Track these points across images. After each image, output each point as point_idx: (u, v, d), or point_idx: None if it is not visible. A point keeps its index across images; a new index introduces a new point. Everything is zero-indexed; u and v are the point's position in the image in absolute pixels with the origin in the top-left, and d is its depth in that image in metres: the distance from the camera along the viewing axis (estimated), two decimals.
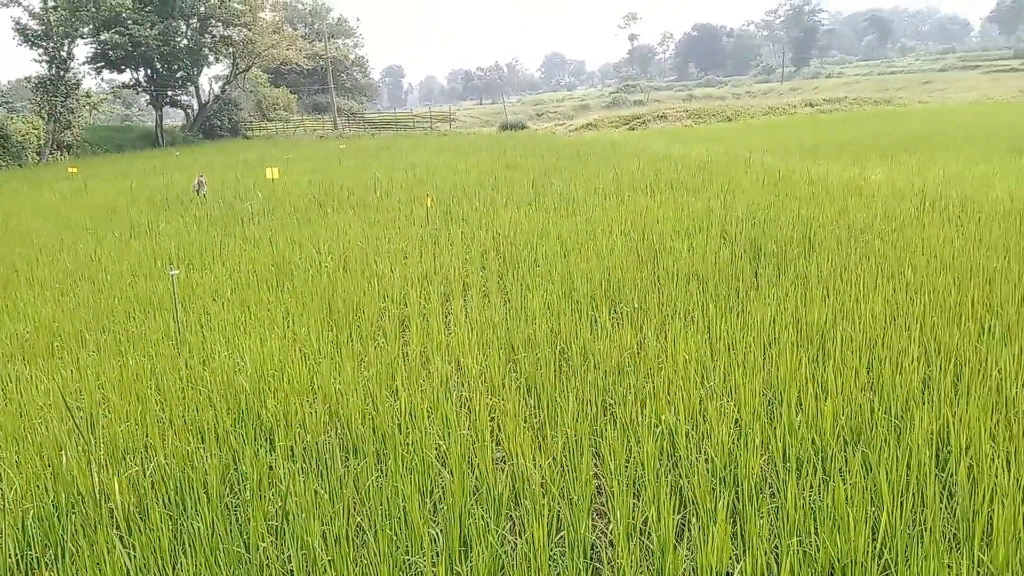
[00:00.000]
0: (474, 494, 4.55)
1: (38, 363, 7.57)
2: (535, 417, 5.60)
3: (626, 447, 4.94)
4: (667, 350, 6.51)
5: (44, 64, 46.38)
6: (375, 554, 4.00)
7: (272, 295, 9.30)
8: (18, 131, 42.84)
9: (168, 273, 9.18)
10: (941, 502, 4.24)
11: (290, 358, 6.80)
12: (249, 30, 59.46)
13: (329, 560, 3.96)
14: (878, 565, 3.76)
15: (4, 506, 4.65)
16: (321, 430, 5.48)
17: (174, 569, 4.12)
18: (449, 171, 23.77)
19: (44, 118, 45.28)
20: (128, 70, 57.81)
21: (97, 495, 4.73)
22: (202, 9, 57.41)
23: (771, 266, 9.03)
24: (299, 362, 6.71)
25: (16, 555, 4.28)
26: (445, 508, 4.39)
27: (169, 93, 59.48)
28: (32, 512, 4.56)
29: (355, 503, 4.55)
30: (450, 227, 13.18)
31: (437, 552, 4.07)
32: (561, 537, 4.18)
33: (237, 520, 4.49)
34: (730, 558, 3.89)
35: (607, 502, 4.49)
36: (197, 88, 62.12)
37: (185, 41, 57.44)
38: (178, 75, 58.86)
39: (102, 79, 67.72)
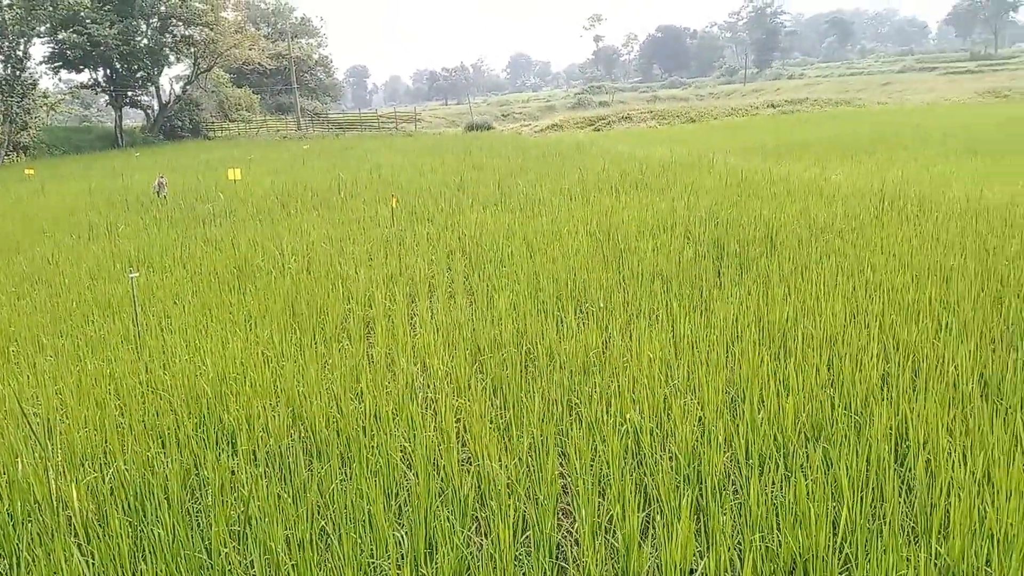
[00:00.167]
0: (440, 496, 4.53)
1: None
2: (501, 418, 5.59)
3: (592, 446, 4.96)
4: (632, 349, 6.55)
5: None
6: (339, 557, 3.97)
7: (234, 297, 9.19)
8: None
9: (128, 276, 9.03)
10: (900, 496, 4.31)
11: (252, 361, 6.72)
12: (211, 30, 58.69)
13: (293, 564, 3.92)
14: (839, 559, 3.81)
15: None
16: (284, 434, 5.43)
17: None
18: (414, 172, 23.69)
19: (0, 119, 44.30)
20: (87, 70, 56.73)
21: (54, 502, 4.64)
22: (163, 8, 56.55)
23: (734, 265, 9.12)
24: (262, 365, 6.63)
25: None
26: (410, 510, 4.37)
27: (129, 93, 58.49)
28: None
29: (319, 507, 4.51)
30: (416, 228, 13.14)
31: (402, 554, 4.05)
32: (527, 537, 4.19)
33: (199, 525, 4.42)
34: (694, 555, 3.92)
35: (573, 501, 4.50)
36: (158, 88, 61.19)
37: (145, 41, 56.52)
38: (138, 75, 57.91)
39: (60, 79, 66.35)
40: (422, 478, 4.57)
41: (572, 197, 15.56)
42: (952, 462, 4.46)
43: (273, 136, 59.59)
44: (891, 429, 4.92)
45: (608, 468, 4.70)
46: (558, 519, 4.42)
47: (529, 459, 4.89)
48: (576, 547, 4.15)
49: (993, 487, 4.22)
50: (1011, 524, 3.83)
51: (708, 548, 3.94)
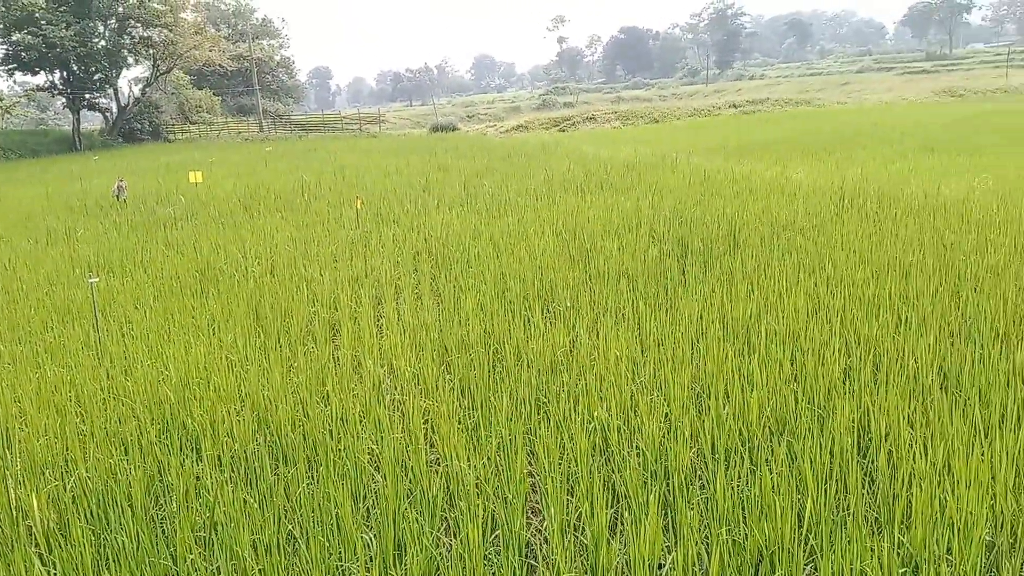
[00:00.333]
0: (408, 497, 4.52)
1: None
2: (469, 418, 5.58)
3: (560, 444, 4.97)
4: (599, 347, 6.58)
5: None
6: (307, 562, 3.94)
7: (197, 302, 9.07)
8: None
9: (87, 281, 8.87)
10: (863, 488, 4.39)
11: (216, 366, 6.64)
12: (170, 31, 57.79)
13: (260, 569, 3.88)
14: (804, 551, 3.87)
15: None
16: (250, 438, 5.37)
17: None
18: (379, 173, 23.57)
19: None
20: (42, 72, 55.52)
21: (14, 512, 4.54)
22: (120, 9, 55.55)
23: (698, 263, 9.21)
24: (225, 370, 6.56)
25: None
26: (379, 512, 4.35)
27: (87, 96, 57.38)
28: None
29: (286, 511, 4.47)
30: (381, 230, 13.07)
31: (371, 557, 4.02)
32: (496, 536, 4.18)
33: (163, 532, 4.36)
34: (662, 550, 3.95)
35: (542, 499, 4.51)
36: (116, 91, 60.11)
37: (103, 42, 55.48)
38: (96, 77, 56.82)
39: (14, 81, 65.05)
40: (390, 480, 4.55)
41: (538, 197, 15.59)
42: (913, 453, 4.54)
43: (235, 138, 58.90)
44: (853, 422, 5.00)
45: (576, 466, 4.71)
46: (527, 518, 4.42)
47: (498, 458, 4.89)
48: (545, 545, 4.16)
49: (953, 477, 4.30)
50: (971, 513, 3.91)
51: (676, 543, 3.97)
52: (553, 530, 4.05)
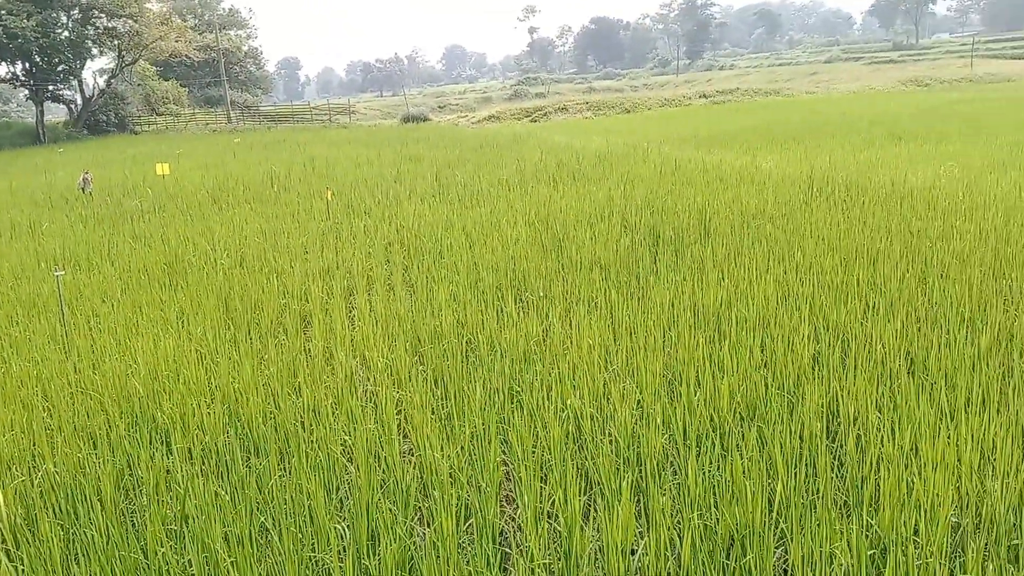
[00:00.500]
0: (381, 487, 4.51)
1: None
2: (443, 408, 5.58)
3: (533, 433, 4.98)
4: (572, 336, 6.60)
5: None
6: (280, 553, 3.92)
7: (165, 294, 8.97)
8: None
9: (53, 274, 8.73)
10: (832, 471, 4.44)
11: (186, 359, 6.57)
12: (135, 21, 56.77)
13: (232, 561, 3.85)
14: (775, 534, 3.91)
15: None
16: (220, 431, 5.32)
17: None
18: (350, 164, 23.41)
19: None
20: (4, 63, 54.37)
21: None
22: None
23: (669, 252, 9.25)
24: (195, 362, 6.49)
25: None
26: (352, 503, 4.33)
27: (50, 88, 56.26)
28: None
29: (258, 503, 4.44)
30: (352, 221, 12.99)
31: (344, 547, 4.01)
32: (470, 525, 4.19)
33: (134, 526, 4.32)
34: (635, 535, 3.97)
35: (515, 488, 4.52)
36: (80, 82, 59.01)
37: (66, 33, 54.41)
38: (59, 69, 55.71)
39: None
40: (363, 470, 4.53)
41: (510, 188, 15.58)
42: (881, 437, 4.61)
43: (203, 130, 58.17)
44: (823, 407, 5.07)
45: (550, 454, 4.73)
46: (501, 506, 4.43)
47: (471, 448, 4.90)
48: (519, 532, 4.17)
49: (920, 460, 4.38)
50: (937, 494, 3.98)
51: (648, 528, 4.00)
52: (527, 518, 4.07)
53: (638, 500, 4.31)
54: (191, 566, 3.92)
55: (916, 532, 3.83)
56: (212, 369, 6.38)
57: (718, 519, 3.97)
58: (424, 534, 4.15)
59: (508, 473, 4.80)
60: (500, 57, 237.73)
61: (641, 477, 4.46)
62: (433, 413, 5.45)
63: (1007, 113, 29.33)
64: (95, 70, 73.12)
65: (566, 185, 15.29)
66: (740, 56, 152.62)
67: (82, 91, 59.54)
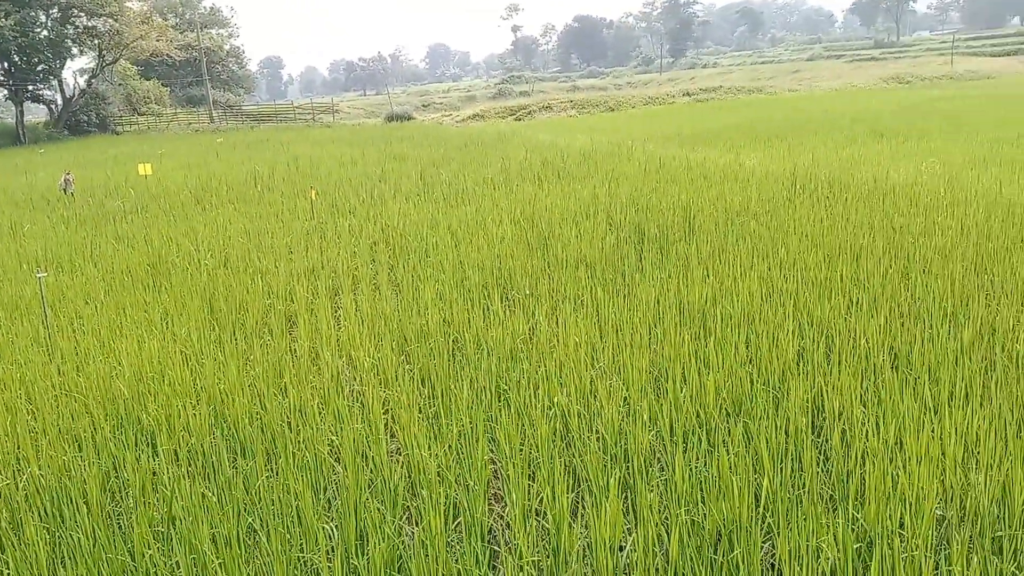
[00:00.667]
0: (369, 487, 4.50)
1: None
2: (430, 407, 5.58)
3: (521, 431, 4.99)
4: (558, 334, 6.61)
5: None
6: (268, 554, 3.90)
7: (149, 295, 8.91)
8: None
9: (35, 276, 8.65)
10: (817, 466, 4.47)
11: (170, 360, 6.54)
12: (115, 20, 56.30)
13: (220, 563, 3.84)
14: (761, 529, 3.94)
15: None
16: (207, 432, 5.30)
17: None
18: (334, 163, 23.34)
19: None
20: None
21: None
22: None
23: (654, 249, 9.28)
24: (180, 364, 6.46)
25: None
26: (340, 503, 4.33)
27: (30, 87, 55.71)
28: None
29: (246, 504, 4.42)
30: (337, 220, 12.95)
31: (332, 547, 4.00)
32: (459, 523, 4.19)
33: (120, 528, 4.29)
34: (623, 532, 3.99)
35: (503, 486, 4.53)
36: (61, 82, 58.48)
37: (45, 32, 53.87)
38: (39, 68, 55.15)
39: None
40: (351, 470, 4.52)
41: (495, 186, 15.58)
42: (866, 431, 4.65)
43: (185, 129, 57.78)
44: (807, 402, 5.10)
45: (537, 451, 4.74)
46: (489, 504, 4.43)
47: (459, 446, 4.90)
48: (508, 530, 4.17)
49: (904, 453, 4.41)
50: (922, 487, 4.02)
51: (636, 524, 4.01)
52: (515, 515, 4.07)
53: (626, 496, 4.32)
54: (179, 568, 3.90)
55: (901, 525, 3.87)
56: (197, 370, 6.35)
57: (705, 514, 3.99)
58: (413, 533, 4.14)
59: (496, 471, 4.80)
60: (484, 56, 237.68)
61: (629, 473, 4.48)
62: (420, 412, 5.45)
63: (987, 110, 29.61)
64: (75, 70, 72.58)
65: (551, 183, 15.31)
66: (723, 54, 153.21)
67: (62, 91, 58.99)
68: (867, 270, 7.77)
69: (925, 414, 4.86)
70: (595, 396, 5.39)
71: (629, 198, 12.56)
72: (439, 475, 4.57)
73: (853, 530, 3.86)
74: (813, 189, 12.48)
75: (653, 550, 3.81)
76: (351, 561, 3.90)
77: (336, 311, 8.14)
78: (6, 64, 53.63)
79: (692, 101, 59.92)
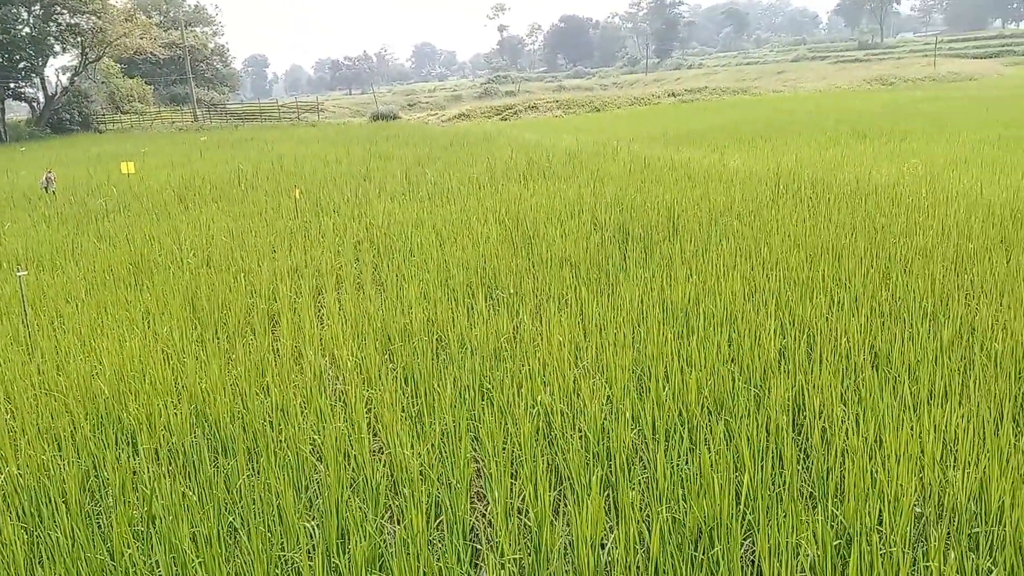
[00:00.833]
0: (351, 486, 4.49)
1: None
2: (413, 406, 5.57)
3: (504, 429, 4.99)
4: (542, 333, 6.62)
5: None
6: (249, 552, 3.89)
7: (131, 294, 8.85)
8: None
9: (15, 275, 8.58)
10: (798, 463, 4.50)
11: (152, 359, 6.50)
12: (98, 18, 55.85)
13: (200, 561, 3.82)
14: (742, 526, 3.96)
15: None
16: (188, 431, 5.27)
17: None
18: (319, 162, 23.25)
19: None
20: None
21: None
22: None
23: (638, 249, 9.31)
24: (161, 363, 6.42)
25: None
26: (321, 501, 4.32)
27: (11, 85, 55.18)
28: None
29: (227, 503, 4.40)
30: (321, 219, 12.91)
31: (313, 546, 3.99)
32: (441, 522, 4.19)
33: (99, 528, 4.26)
34: (604, 529, 4.00)
35: (486, 484, 4.53)
36: (43, 80, 57.96)
37: (27, 29, 53.39)
38: (20, 66, 54.65)
39: None
40: (332, 469, 4.51)
41: (481, 186, 15.57)
42: (846, 429, 4.68)
43: (168, 128, 57.40)
44: (789, 400, 5.13)
45: (520, 450, 4.74)
46: (472, 502, 4.43)
47: (442, 445, 4.90)
48: (490, 528, 4.18)
49: (884, 451, 4.45)
50: (901, 485, 4.05)
51: (618, 522, 4.02)
52: (497, 513, 4.07)
53: (608, 494, 4.33)
54: (159, 567, 3.88)
55: (880, 522, 3.90)
56: (179, 369, 6.32)
57: (686, 512, 4.01)
58: (394, 532, 4.14)
59: (479, 470, 4.80)
60: (470, 55, 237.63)
61: (611, 471, 4.49)
62: (403, 411, 5.44)
63: (969, 111, 29.86)
64: (58, 67, 72.05)
65: (536, 183, 15.32)
66: (708, 55, 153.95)
67: (44, 89, 58.50)
68: (849, 270, 7.83)
69: (905, 412, 4.90)
70: (578, 395, 5.40)
71: (614, 198, 12.59)
72: (421, 474, 4.56)
73: (832, 527, 3.89)
74: (796, 189, 12.55)
75: (634, 547, 3.82)
76: (332, 560, 3.89)
77: (319, 310, 8.11)
78: None
79: (677, 102, 60.06)
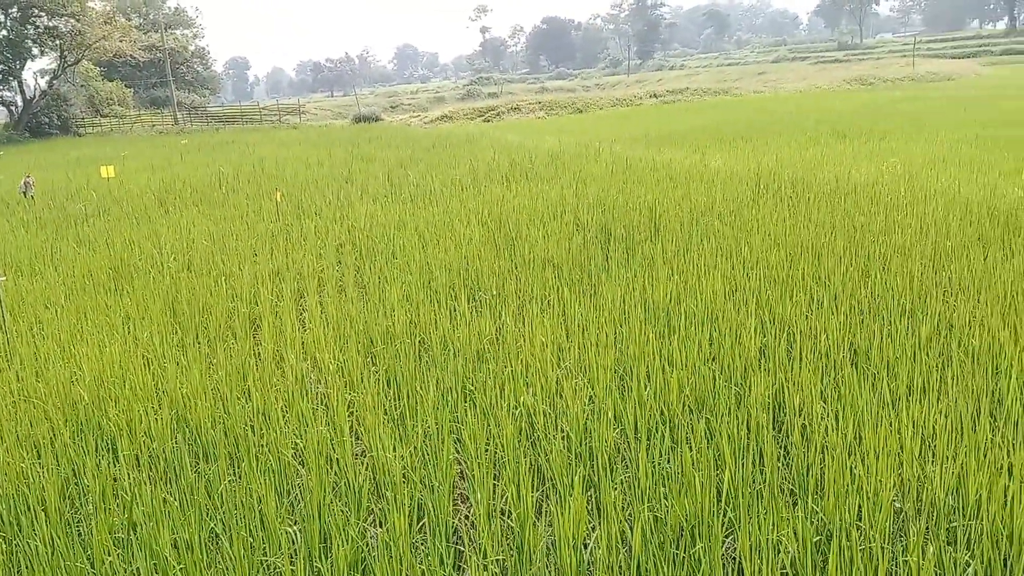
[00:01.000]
0: (333, 489, 4.48)
1: None
2: (395, 408, 5.56)
3: (486, 431, 5.00)
4: (525, 334, 6.63)
5: None
6: (230, 558, 3.87)
7: (111, 299, 8.79)
8: None
9: None
10: (778, 460, 4.53)
11: (132, 364, 6.45)
12: (77, 20, 55.37)
13: (181, 568, 3.80)
14: (723, 523, 3.98)
15: None
16: (168, 437, 5.24)
17: None
18: (300, 165, 23.16)
19: None
20: None
21: None
22: None
23: (620, 249, 9.34)
24: (142, 368, 6.38)
25: None
26: (303, 505, 4.30)
27: None
28: None
29: (208, 508, 4.38)
30: (303, 222, 12.86)
31: (296, 550, 3.98)
32: (423, 524, 4.19)
33: (79, 535, 4.23)
34: (587, 529, 4.01)
35: (469, 486, 4.53)
36: (21, 83, 57.44)
37: (4, 32, 52.90)
38: None
39: None
40: (314, 473, 4.50)
41: (463, 187, 15.57)
42: (826, 426, 4.72)
43: (149, 131, 57.02)
44: (769, 398, 5.17)
45: (503, 451, 4.74)
46: (455, 504, 4.44)
47: (424, 447, 4.89)
48: (473, 530, 4.18)
49: (863, 447, 4.49)
50: (880, 480, 4.09)
51: (600, 521, 4.04)
52: (480, 515, 4.08)
53: (590, 494, 4.35)
54: (139, 574, 3.85)
55: (860, 518, 3.93)
56: (159, 374, 6.28)
57: (668, 510, 4.03)
58: (377, 535, 4.13)
59: (462, 472, 4.80)
60: (452, 57, 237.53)
61: (593, 471, 4.51)
62: (386, 414, 5.44)
63: (947, 111, 30.15)
64: (36, 71, 71.16)
65: (519, 184, 15.33)
66: (690, 56, 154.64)
67: (23, 92, 57.91)
68: (828, 268, 7.89)
69: (884, 409, 4.94)
70: (561, 395, 5.42)
71: (596, 199, 12.62)
72: (404, 476, 4.56)
73: (812, 523, 3.91)
74: (776, 189, 12.63)
75: (616, 547, 3.83)
76: (315, 564, 3.88)
77: (301, 314, 8.09)
78: None
79: (659, 103, 60.23)
